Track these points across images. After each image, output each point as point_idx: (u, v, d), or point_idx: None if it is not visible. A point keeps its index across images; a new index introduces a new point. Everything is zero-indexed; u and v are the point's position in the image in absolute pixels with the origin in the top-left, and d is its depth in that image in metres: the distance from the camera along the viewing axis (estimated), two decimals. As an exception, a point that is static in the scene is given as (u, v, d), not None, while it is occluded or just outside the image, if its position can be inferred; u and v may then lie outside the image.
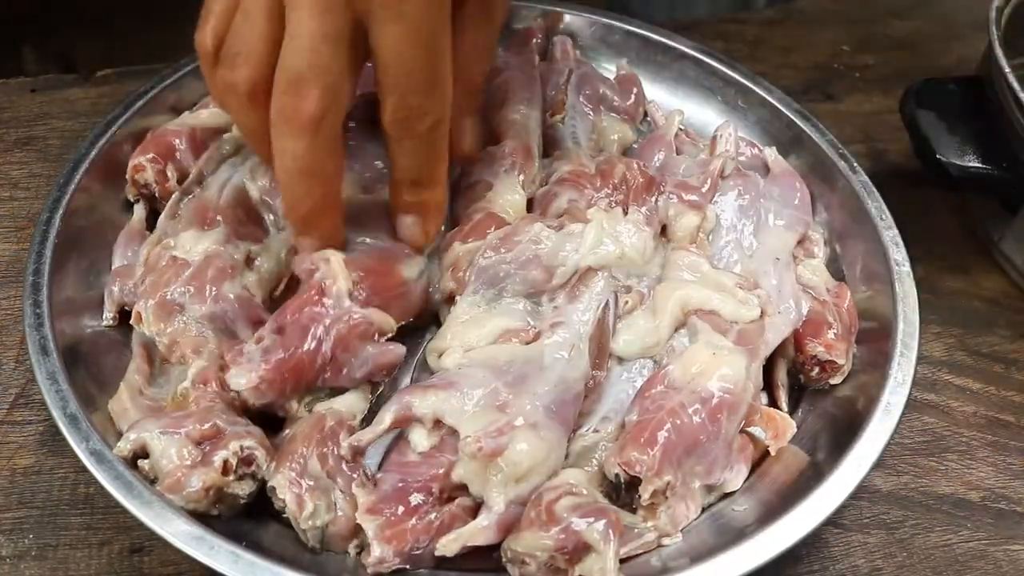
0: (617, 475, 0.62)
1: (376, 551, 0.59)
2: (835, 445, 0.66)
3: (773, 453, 0.67)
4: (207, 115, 0.81)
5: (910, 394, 0.68)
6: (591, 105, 0.88)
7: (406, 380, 0.71)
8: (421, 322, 0.73)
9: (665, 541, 0.62)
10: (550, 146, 0.84)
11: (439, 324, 0.72)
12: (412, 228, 0.70)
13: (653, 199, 0.76)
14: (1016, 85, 0.77)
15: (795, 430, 0.68)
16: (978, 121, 0.82)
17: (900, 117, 0.85)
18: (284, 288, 0.72)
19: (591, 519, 0.58)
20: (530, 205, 0.78)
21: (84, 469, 0.60)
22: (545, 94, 0.88)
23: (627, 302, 0.71)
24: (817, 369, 0.72)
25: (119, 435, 0.62)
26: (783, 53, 1.09)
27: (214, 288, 0.67)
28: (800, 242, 0.80)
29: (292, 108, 0.59)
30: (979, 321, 0.85)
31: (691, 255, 0.74)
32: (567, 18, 0.96)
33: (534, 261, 0.70)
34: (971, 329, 0.84)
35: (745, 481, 0.66)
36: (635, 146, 0.89)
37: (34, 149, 0.89)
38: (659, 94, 0.94)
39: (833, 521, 0.66)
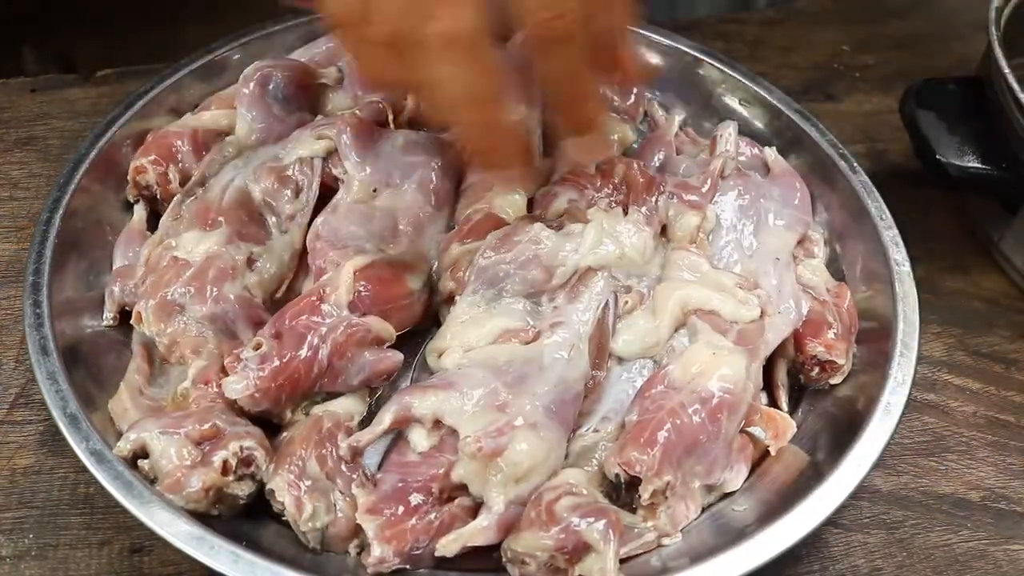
0: (617, 475, 0.62)
1: (376, 551, 0.59)
2: (835, 445, 0.66)
3: (773, 453, 0.67)
4: (209, 117, 0.81)
5: (910, 394, 0.68)
6: (591, 105, 0.88)
7: (406, 380, 0.71)
8: (421, 324, 0.73)
9: (665, 541, 0.62)
10: (550, 146, 0.84)
11: (439, 324, 0.72)
12: (582, 148, 0.68)
13: (653, 199, 0.76)
14: (1016, 85, 0.77)
15: (795, 430, 0.68)
16: (978, 121, 0.82)
17: (900, 117, 0.85)
18: (286, 289, 0.72)
19: (591, 519, 0.58)
20: (530, 205, 0.78)
21: (84, 469, 0.60)
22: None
23: (627, 302, 0.71)
24: (817, 369, 0.72)
25: (119, 435, 0.62)
26: (783, 53, 1.09)
27: (215, 289, 0.67)
28: (800, 242, 0.80)
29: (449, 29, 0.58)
30: (979, 321, 0.85)
31: (691, 255, 0.74)
32: (567, 18, 0.96)
33: (534, 261, 0.70)
34: (971, 329, 0.84)
35: (745, 481, 0.66)
36: (635, 146, 0.89)
37: (34, 149, 0.89)
38: (659, 94, 0.94)
39: (833, 521, 0.66)
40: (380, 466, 0.64)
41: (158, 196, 0.77)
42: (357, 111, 0.78)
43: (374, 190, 0.74)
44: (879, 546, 0.70)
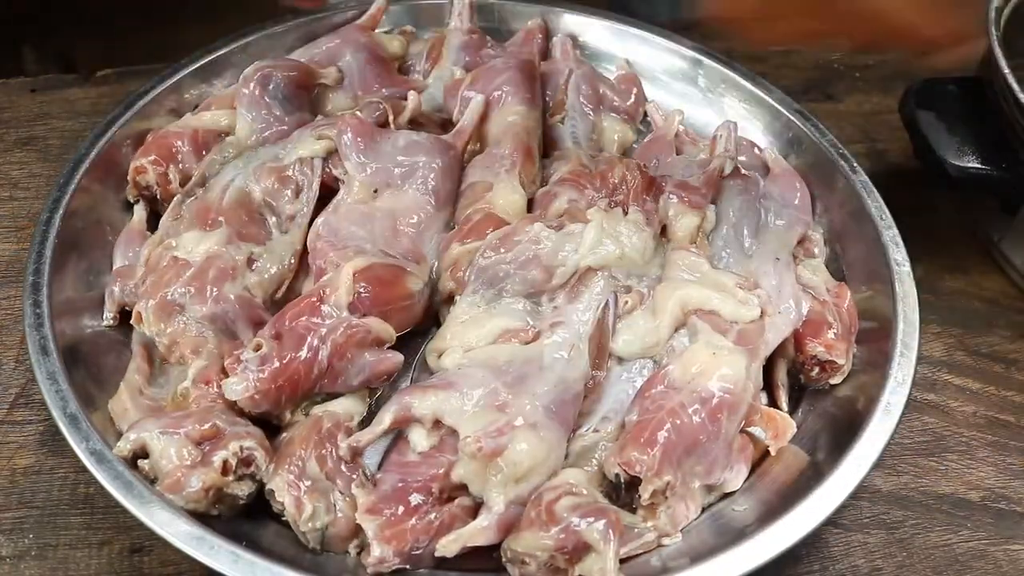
0: (617, 475, 0.62)
1: (376, 551, 0.59)
2: (835, 445, 0.66)
3: (773, 453, 0.67)
4: (209, 117, 0.81)
5: (910, 394, 0.68)
6: (591, 105, 0.88)
7: (406, 380, 0.71)
8: (421, 324, 0.73)
9: (665, 541, 0.62)
10: (550, 146, 0.85)
11: (439, 324, 0.72)
12: None
13: (653, 199, 0.76)
14: (1015, 86, 0.77)
15: (795, 430, 0.68)
16: (978, 121, 0.82)
17: (900, 117, 0.85)
18: (286, 290, 0.72)
19: (591, 519, 0.58)
20: (530, 205, 0.78)
21: (84, 469, 0.60)
22: (545, 94, 0.88)
23: (627, 302, 0.71)
24: (817, 369, 0.72)
25: (119, 435, 0.62)
26: (783, 53, 1.09)
27: (215, 289, 0.67)
28: (800, 242, 0.80)
29: None
30: (979, 321, 0.85)
31: (691, 255, 0.74)
32: (567, 18, 0.96)
33: (534, 261, 0.70)
34: (971, 329, 0.84)
35: (745, 481, 0.66)
36: (635, 146, 0.89)
37: (34, 149, 0.89)
38: (659, 94, 0.94)
39: (833, 521, 0.66)
40: (380, 466, 0.64)
41: (158, 196, 0.77)
42: (358, 111, 0.78)
43: (375, 191, 0.74)
44: (879, 546, 0.70)
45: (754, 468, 0.67)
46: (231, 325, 0.67)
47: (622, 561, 0.59)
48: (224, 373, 0.64)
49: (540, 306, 0.70)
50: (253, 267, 0.70)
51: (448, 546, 0.59)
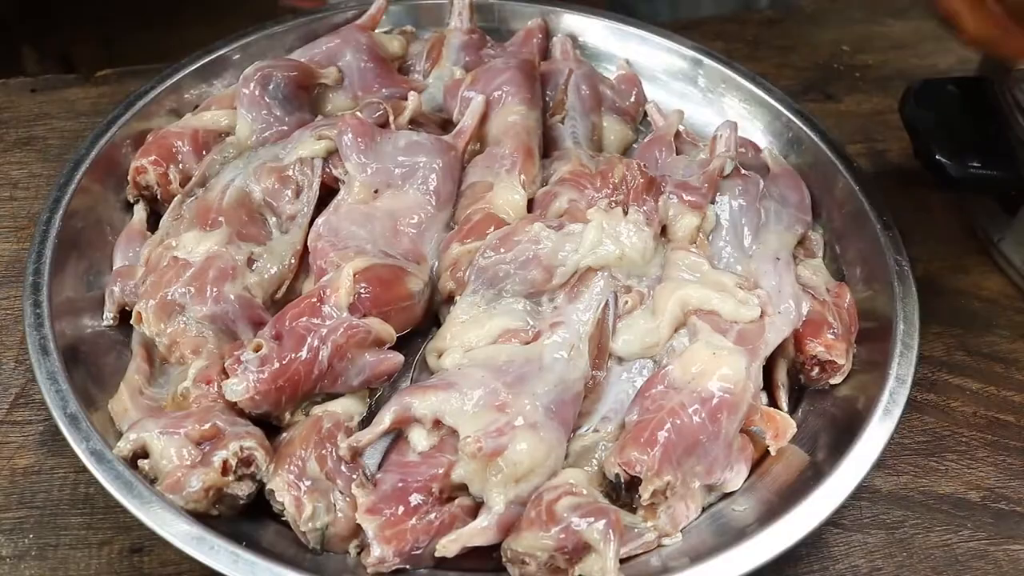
0: (617, 475, 0.62)
1: (376, 551, 0.59)
2: (835, 445, 0.66)
3: (773, 453, 0.67)
4: (209, 116, 0.81)
5: (910, 394, 0.68)
6: (591, 105, 0.88)
7: (406, 381, 0.71)
8: (421, 324, 0.73)
9: (665, 541, 0.62)
10: (550, 146, 0.85)
11: (439, 324, 0.72)
12: None
13: (653, 199, 0.76)
14: (1015, 86, 0.77)
15: (795, 430, 0.68)
16: (978, 121, 0.82)
17: (900, 117, 0.85)
18: (286, 290, 0.72)
19: (591, 519, 0.58)
20: (530, 205, 0.78)
21: (84, 469, 0.60)
22: (545, 94, 0.88)
23: (627, 302, 0.71)
24: (817, 369, 0.72)
25: (119, 435, 0.62)
26: (783, 53, 1.09)
27: (215, 289, 0.67)
28: (800, 242, 0.80)
29: None
30: (979, 321, 0.85)
31: (691, 255, 0.74)
32: (567, 18, 0.96)
33: (534, 261, 0.70)
34: (971, 329, 0.84)
35: (745, 481, 0.66)
36: (635, 146, 0.89)
37: (34, 149, 0.89)
38: (659, 94, 0.94)
39: (833, 521, 0.66)
40: (380, 466, 0.64)
41: (158, 196, 0.77)
42: (358, 112, 0.78)
43: (375, 191, 0.74)
44: (879, 546, 0.70)
45: (754, 468, 0.67)
46: (231, 325, 0.67)
47: (622, 561, 0.59)
48: (224, 373, 0.64)
49: (540, 306, 0.70)
50: (253, 267, 0.70)
51: (448, 546, 0.59)
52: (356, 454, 0.63)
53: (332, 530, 0.60)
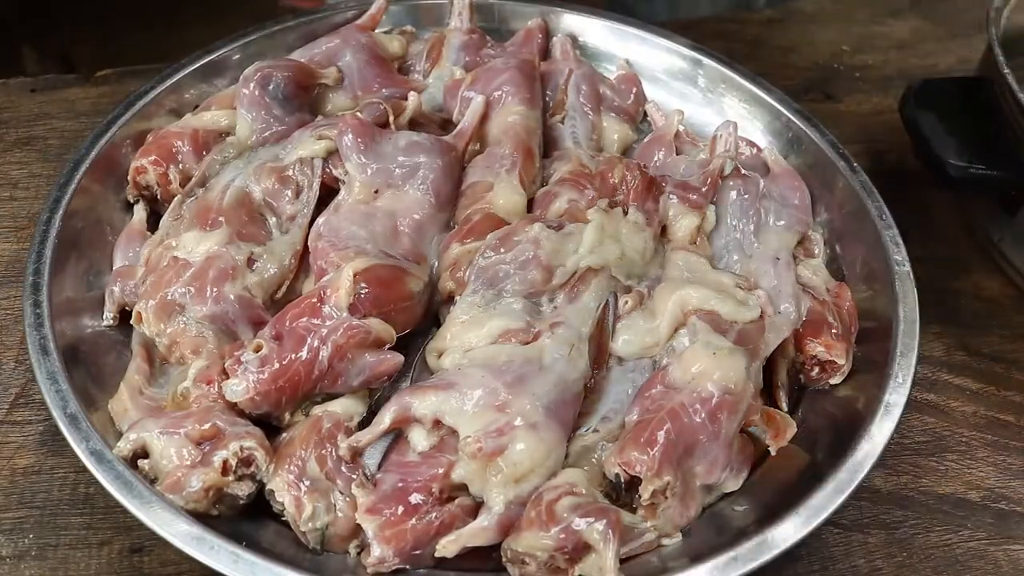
0: (617, 475, 0.62)
1: (376, 551, 0.59)
2: (835, 445, 0.66)
3: (773, 453, 0.67)
4: (209, 117, 0.81)
5: (910, 394, 0.68)
6: (591, 105, 0.88)
7: (406, 381, 0.71)
8: (421, 324, 0.73)
9: (665, 541, 0.62)
10: (550, 146, 0.85)
11: (439, 324, 0.72)
12: None
13: (653, 199, 0.76)
14: (1015, 86, 0.77)
15: (795, 430, 0.68)
16: (978, 121, 0.82)
17: (900, 117, 0.85)
18: (286, 290, 0.72)
19: (591, 519, 0.58)
20: (530, 205, 0.78)
21: (84, 469, 0.60)
22: (545, 94, 0.88)
23: (627, 302, 0.71)
24: (817, 369, 0.72)
25: (119, 435, 0.62)
26: (783, 53, 1.09)
27: (215, 289, 0.67)
28: (800, 242, 0.80)
29: None
30: (979, 321, 0.85)
31: (691, 255, 0.74)
32: (567, 18, 0.96)
33: (533, 261, 0.70)
34: (971, 329, 0.84)
35: (745, 481, 0.66)
36: (635, 146, 0.89)
37: (34, 149, 0.89)
38: (659, 94, 0.94)
39: (833, 521, 0.66)
40: (380, 466, 0.64)
41: (158, 196, 0.77)
42: (358, 112, 0.78)
43: (375, 191, 0.74)
44: (879, 546, 0.70)
45: (754, 468, 0.67)
46: (231, 325, 0.67)
47: (622, 561, 0.59)
48: (224, 373, 0.64)
49: (540, 306, 0.70)
50: (253, 267, 0.70)
51: (448, 546, 0.59)
52: (356, 454, 0.63)
53: (332, 530, 0.60)
